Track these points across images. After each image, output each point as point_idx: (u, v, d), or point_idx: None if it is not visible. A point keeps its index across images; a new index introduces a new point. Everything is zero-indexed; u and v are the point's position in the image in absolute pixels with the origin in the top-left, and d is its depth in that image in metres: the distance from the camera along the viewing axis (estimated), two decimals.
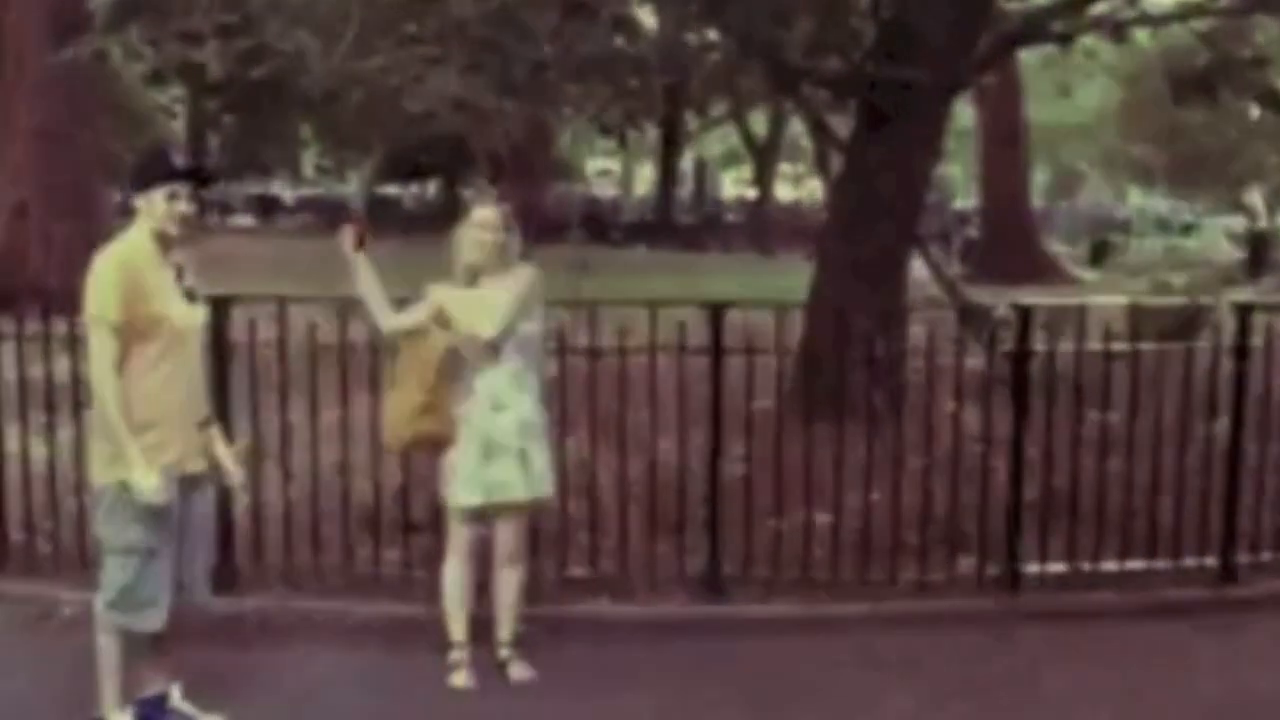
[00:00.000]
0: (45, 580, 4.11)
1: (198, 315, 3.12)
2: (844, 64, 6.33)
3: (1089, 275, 20.47)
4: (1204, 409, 4.45)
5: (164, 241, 3.03)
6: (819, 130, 6.81)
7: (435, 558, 3.90)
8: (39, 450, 4.27)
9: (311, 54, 4.00)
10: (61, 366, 4.12)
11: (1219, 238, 30.27)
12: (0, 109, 10.70)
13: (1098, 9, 6.35)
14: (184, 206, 3.02)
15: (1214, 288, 11.06)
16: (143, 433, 2.96)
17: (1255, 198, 25.78)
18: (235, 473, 3.29)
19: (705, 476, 4.17)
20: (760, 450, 4.24)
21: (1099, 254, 25.48)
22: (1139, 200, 38.57)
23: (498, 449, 3.45)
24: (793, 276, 8.05)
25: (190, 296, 3.09)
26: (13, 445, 4.28)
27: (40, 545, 4.26)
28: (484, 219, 3.50)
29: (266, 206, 30.50)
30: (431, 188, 32.61)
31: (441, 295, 3.53)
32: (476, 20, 4.27)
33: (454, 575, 3.56)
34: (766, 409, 4.34)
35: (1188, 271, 16.65)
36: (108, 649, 3.09)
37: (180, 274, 3.07)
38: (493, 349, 3.44)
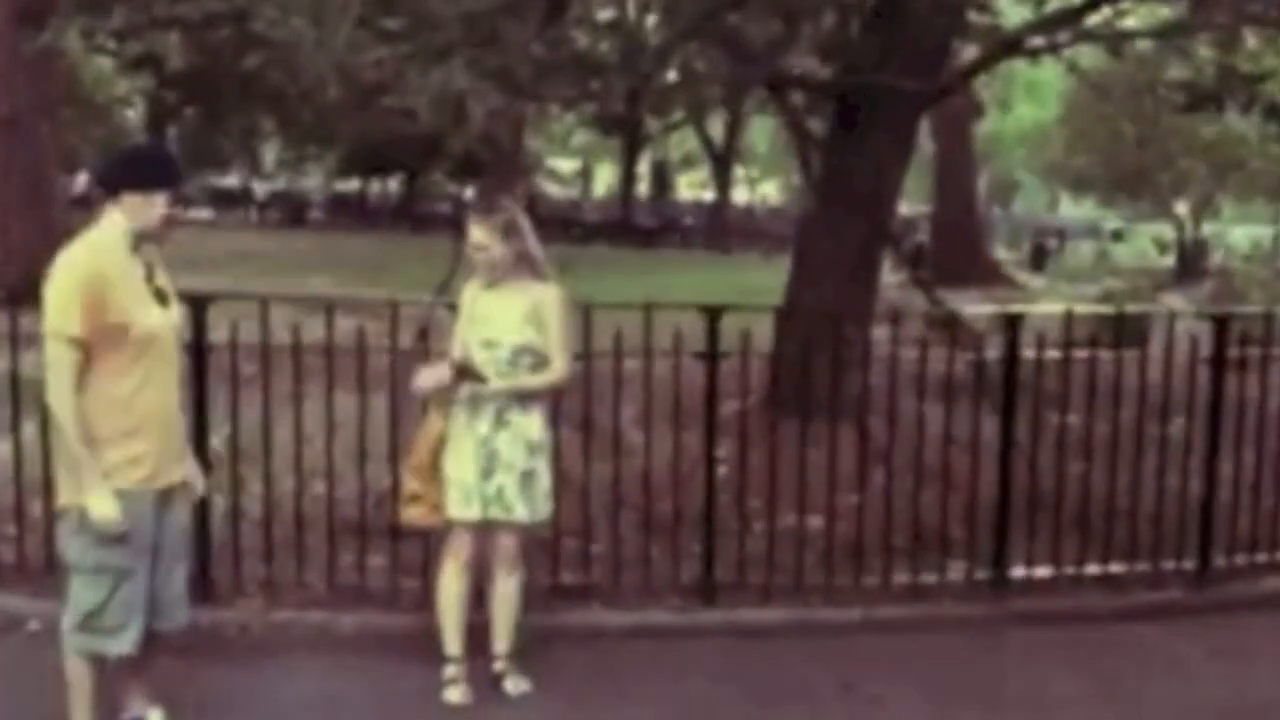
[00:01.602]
0: (7, 591, 3.92)
1: (170, 317, 2.96)
2: (831, 69, 6.35)
3: (1032, 279, 20.99)
4: (1183, 414, 4.53)
5: (138, 242, 2.88)
6: (799, 131, 6.83)
7: (424, 566, 3.80)
8: (2, 449, 4.08)
9: (308, 44, 3.85)
10: (27, 361, 3.92)
11: (1146, 244, 31.35)
12: None
13: (1090, 22, 6.46)
14: (176, 212, 2.93)
15: (1150, 295, 11.49)
16: (118, 446, 2.80)
17: (1182, 207, 26.82)
18: (198, 486, 3.12)
19: (699, 481, 4.13)
20: (748, 453, 4.20)
21: (1039, 259, 26.18)
22: (1070, 207, 39.65)
23: (500, 466, 3.35)
24: (752, 274, 8.09)
25: (161, 297, 2.92)
26: None
27: (3, 553, 4.07)
28: (475, 240, 3.37)
29: (236, 199, 29.90)
30: (393, 183, 32.20)
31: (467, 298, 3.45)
32: (479, 14, 4.16)
33: (451, 586, 3.43)
34: (754, 411, 4.29)
35: (1123, 277, 17.22)
36: (78, 673, 2.92)
37: (151, 273, 2.91)
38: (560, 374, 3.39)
